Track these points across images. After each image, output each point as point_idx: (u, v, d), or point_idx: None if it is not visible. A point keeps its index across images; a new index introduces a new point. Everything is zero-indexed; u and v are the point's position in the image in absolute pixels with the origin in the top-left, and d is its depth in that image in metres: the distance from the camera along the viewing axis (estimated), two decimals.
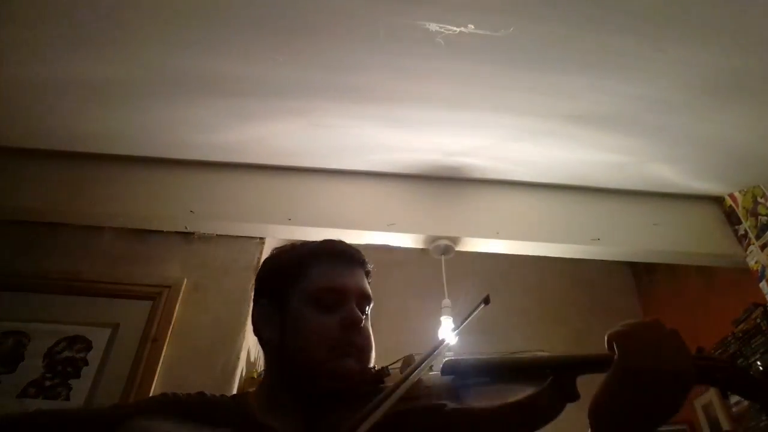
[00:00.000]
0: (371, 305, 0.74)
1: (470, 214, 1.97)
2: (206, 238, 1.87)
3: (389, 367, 0.66)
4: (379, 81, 1.50)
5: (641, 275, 2.98)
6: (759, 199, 1.91)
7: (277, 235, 2.01)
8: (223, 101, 1.62)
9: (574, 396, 0.55)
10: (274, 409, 0.67)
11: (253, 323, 0.77)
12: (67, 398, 1.50)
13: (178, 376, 1.56)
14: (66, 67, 1.47)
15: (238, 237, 1.88)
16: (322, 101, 1.61)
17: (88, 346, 1.60)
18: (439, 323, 1.88)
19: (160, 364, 1.56)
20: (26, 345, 1.58)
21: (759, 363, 1.80)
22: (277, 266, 0.78)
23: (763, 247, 1.86)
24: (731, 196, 2.03)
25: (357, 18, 1.28)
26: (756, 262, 1.88)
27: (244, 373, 1.67)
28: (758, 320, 1.85)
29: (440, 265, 1.98)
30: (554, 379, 0.56)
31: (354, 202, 1.96)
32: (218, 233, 1.88)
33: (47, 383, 1.52)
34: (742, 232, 1.96)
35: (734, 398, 1.88)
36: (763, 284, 1.84)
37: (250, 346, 1.74)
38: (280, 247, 0.82)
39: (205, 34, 1.34)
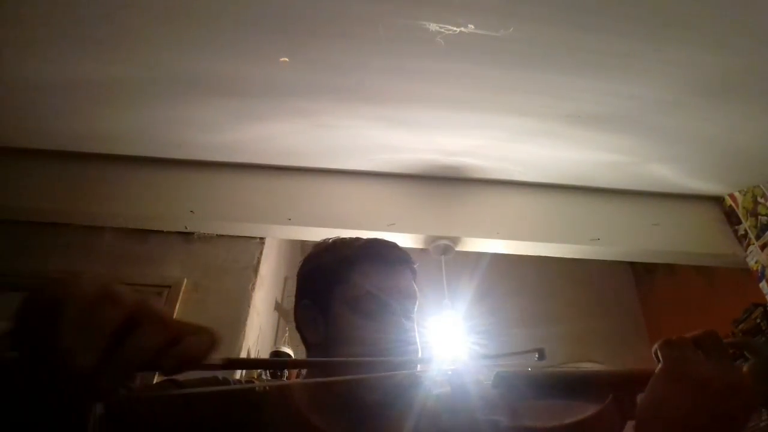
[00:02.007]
0: (417, 305, 0.72)
1: (470, 214, 1.97)
2: (206, 238, 1.87)
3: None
4: (379, 81, 1.50)
5: (641, 275, 2.98)
6: (759, 199, 1.91)
7: (277, 235, 2.01)
8: (223, 101, 1.62)
9: (634, 413, 0.51)
10: (320, 408, 0.65)
11: (296, 322, 0.74)
12: None
13: (177, 376, 1.56)
14: (66, 67, 1.47)
15: (238, 237, 1.88)
16: (322, 101, 1.61)
17: None
18: (438, 323, 1.88)
19: None
20: None
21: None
22: (318, 267, 0.74)
23: (763, 247, 1.86)
24: (731, 196, 2.03)
25: (357, 18, 1.28)
26: (756, 262, 1.88)
27: (243, 374, 1.66)
28: (758, 320, 1.85)
29: (440, 265, 1.98)
30: (615, 396, 0.52)
31: (354, 202, 1.96)
32: (218, 233, 1.88)
33: None
34: (742, 232, 1.96)
35: None
36: (763, 284, 1.84)
37: (250, 346, 1.74)
38: (320, 243, 0.78)
39: (205, 34, 1.34)
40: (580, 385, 0.56)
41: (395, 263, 0.71)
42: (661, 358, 0.48)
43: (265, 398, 0.65)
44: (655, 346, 0.49)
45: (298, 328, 0.73)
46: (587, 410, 0.52)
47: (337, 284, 0.69)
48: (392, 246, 0.74)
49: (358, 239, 0.76)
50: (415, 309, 0.71)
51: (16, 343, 0.37)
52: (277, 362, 1.70)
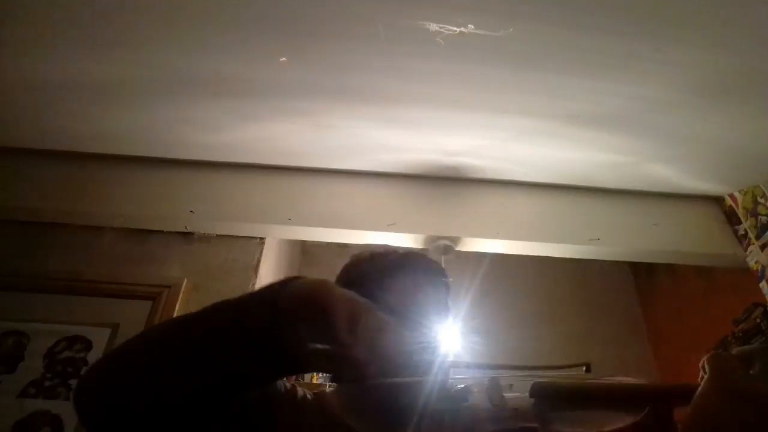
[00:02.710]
0: (449, 318, 0.75)
1: (470, 214, 1.97)
2: (206, 238, 1.87)
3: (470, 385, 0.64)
4: (379, 81, 1.50)
5: (641, 275, 2.98)
6: (759, 199, 1.91)
7: (277, 235, 2.01)
8: (223, 101, 1.62)
9: (671, 428, 0.51)
10: (359, 413, 0.67)
11: None
12: (67, 398, 1.50)
13: None
14: (66, 67, 1.47)
15: (238, 237, 1.88)
16: (321, 102, 1.61)
17: (88, 346, 1.60)
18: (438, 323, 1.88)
19: None
20: (26, 345, 1.58)
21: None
22: (358, 276, 0.78)
23: (763, 247, 1.86)
24: (731, 196, 2.03)
25: (357, 18, 1.28)
26: (756, 262, 1.88)
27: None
28: (758, 320, 1.85)
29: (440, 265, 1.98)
30: (652, 408, 0.51)
31: (354, 202, 1.96)
32: (218, 233, 1.88)
33: (47, 383, 1.52)
34: (742, 232, 1.96)
35: None
36: (763, 284, 1.84)
37: None
38: (358, 254, 0.83)
39: (205, 34, 1.34)
40: (617, 397, 0.55)
41: (430, 275, 0.76)
42: (708, 371, 0.46)
43: (305, 401, 0.68)
44: (703, 359, 0.48)
45: None
46: (623, 422, 0.51)
47: (375, 293, 0.71)
48: (428, 260, 0.79)
49: (395, 251, 0.81)
50: (448, 322, 0.75)
51: (281, 324, 0.46)
52: None
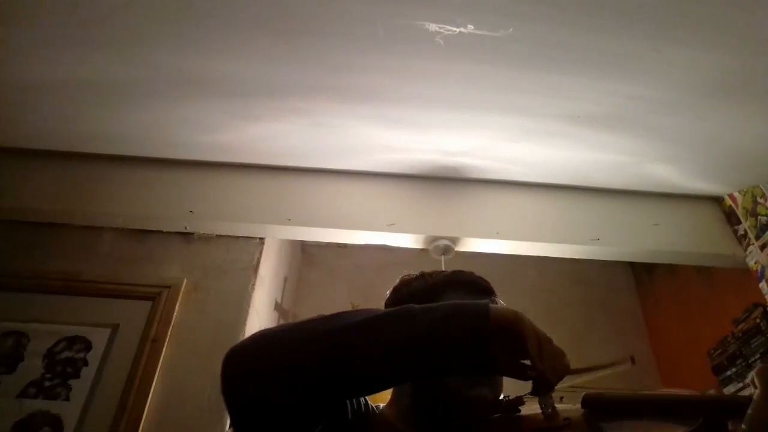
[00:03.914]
0: None
1: (470, 214, 1.97)
2: (206, 238, 1.87)
3: (523, 396, 0.66)
4: (379, 81, 1.50)
5: (641, 275, 2.97)
6: (759, 199, 1.91)
7: (277, 235, 2.01)
8: (223, 101, 1.62)
9: None
10: (417, 428, 0.71)
11: None
12: (67, 398, 1.50)
13: (177, 377, 1.56)
14: (66, 67, 1.47)
15: (238, 237, 1.88)
16: (321, 101, 1.61)
17: (88, 346, 1.60)
18: None
19: (159, 364, 1.56)
20: (26, 345, 1.58)
21: (759, 363, 1.80)
22: (409, 293, 0.81)
23: (763, 247, 1.86)
24: (731, 196, 2.03)
25: (356, 18, 1.28)
26: (756, 262, 1.88)
27: None
28: (758, 320, 1.85)
29: (440, 265, 1.98)
30: (705, 420, 0.51)
31: (354, 202, 1.96)
32: (218, 233, 1.88)
33: (47, 383, 1.52)
34: (741, 232, 1.96)
35: None
36: (763, 284, 1.84)
37: None
38: (408, 275, 0.87)
39: (205, 34, 1.34)
40: (668, 409, 0.55)
41: (480, 292, 0.79)
42: (759, 385, 0.47)
43: (376, 414, 0.74)
44: (752, 373, 0.48)
45: None
46: (676, 430, 0.51)
47: None
48: (476, 276, 0.82)
49: (443, 271, 0.85)
50: None
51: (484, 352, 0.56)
52: None
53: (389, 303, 0.83)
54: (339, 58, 1.41)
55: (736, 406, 0.50)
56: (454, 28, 1.28)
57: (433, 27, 1.28)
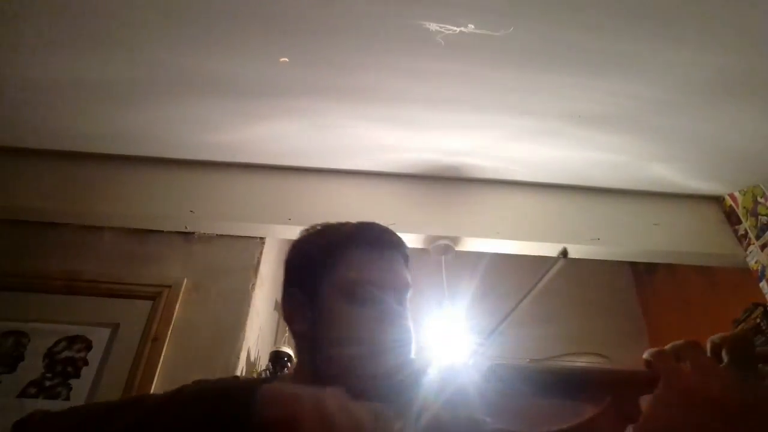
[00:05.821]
0: (410, 292, 0.69)
1: (470, 214, 1.97)
2: (206, 238, 1.87)
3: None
4: (379, 81, 1.50)
5: (641, 275, 2.97)
6: (759, 199, 1.91)
7: (278, 235, 2.01)
8: (223, 101, 1.62)
9: (635, 416, 0.47)
10: None
11: (283, 311, 0.72)
12: (67, 398, 1.50)
13: (178, 376, 1.56)
14: (66, 67, 1.47)
15: (238, 237, 1.88)
16: (321, 101, 1.61)
17: (88, 346, 1.60)
18: (438, 323, 1.88)
19: (160, 364, 1.56)
20: (26, 345, 1.58)
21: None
22: (306, 253, 0.73)
23: (763, 247, 1.86)
24: (731, 196, 2.03)
25: (356, 18, 1.28)
26: (756, 262, 1.88)
27: (244, 373, 1.67)
28: (758, 320, 1.84)
29: (440, 265, 1.98)
30: (615, 397, 0.49)
31: (354, 202, 1.96)
32: (218, 233, 1.88)
33: (47, 383, 1.52)
34: (742, 232, 1.96)
35: None
36: (763, 284, 1.84)
37: (250, 346, 1.74)
38: (308, 229, 0.76)
39: (206, 33, 1.34)
40: (577, 384, 0.52)
41: (384, 248, 0.70)
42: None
43: None
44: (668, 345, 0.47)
45: (286, 318, 0.71)
46: (583, 413, 0.49)
47: (325, 270, 0.67)
48: (382, 230, 0.73)
49: (346, 224, 0.75)
50: (407, 296, 0.68)
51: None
52: None
53: (286, 263, 0.74)
54: (339, 58, 1.41)
55: (649, 382, 0.47)
56: (455, 28, 1.28)
57: (433, 26, 1.28)
